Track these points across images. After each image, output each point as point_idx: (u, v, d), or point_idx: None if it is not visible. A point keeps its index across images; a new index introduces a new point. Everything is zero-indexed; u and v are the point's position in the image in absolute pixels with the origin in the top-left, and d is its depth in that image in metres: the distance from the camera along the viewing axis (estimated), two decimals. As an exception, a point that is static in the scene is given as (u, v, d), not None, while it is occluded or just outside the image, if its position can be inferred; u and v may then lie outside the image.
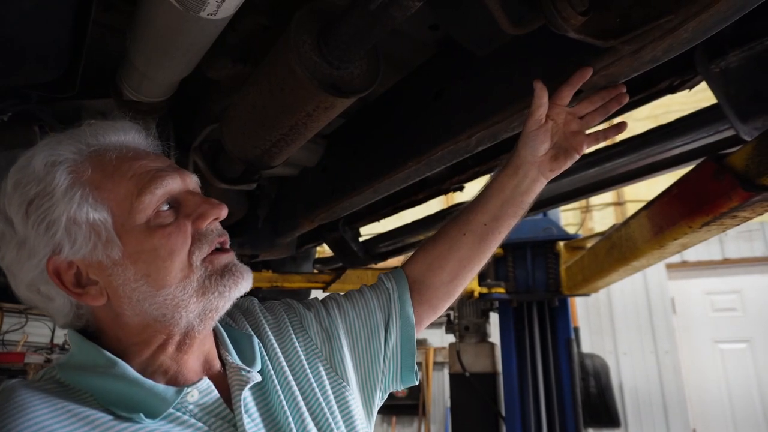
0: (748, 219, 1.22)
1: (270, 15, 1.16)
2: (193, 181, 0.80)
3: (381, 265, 2.76)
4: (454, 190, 1.82)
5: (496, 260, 3.26)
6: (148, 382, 0.70)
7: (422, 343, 6.60)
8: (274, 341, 0.88)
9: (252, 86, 1.17)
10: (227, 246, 0.78)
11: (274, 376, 0.83)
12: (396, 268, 1.09)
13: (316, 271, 3.10)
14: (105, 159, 0.73)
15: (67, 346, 6.14)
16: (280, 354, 0.87)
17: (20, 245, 0.70)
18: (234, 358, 0.81)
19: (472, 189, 1.95)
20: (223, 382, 0.78)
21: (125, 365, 0.70)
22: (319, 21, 0.98)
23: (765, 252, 5.41)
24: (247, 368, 0.79)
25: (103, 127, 0.77)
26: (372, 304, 1.01)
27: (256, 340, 0.86)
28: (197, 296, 0.72)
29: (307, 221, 1.82)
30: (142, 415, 0.67)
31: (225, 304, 0.75)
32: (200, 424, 0.70)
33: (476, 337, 3.43)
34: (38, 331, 6.27)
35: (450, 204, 2.29)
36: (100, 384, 0.69)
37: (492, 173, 1.04)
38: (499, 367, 3.26)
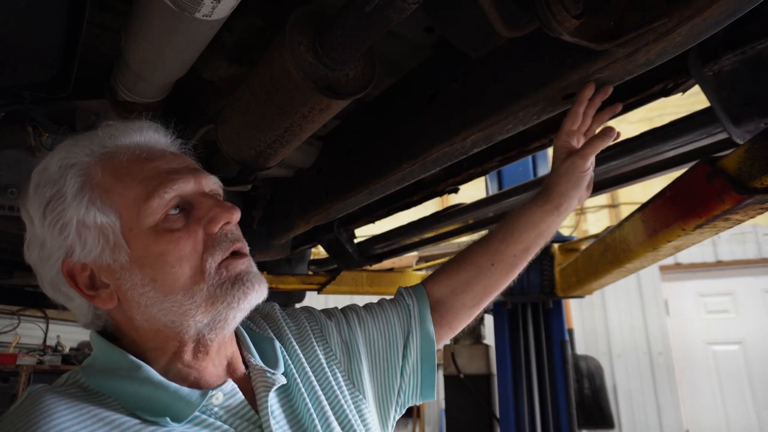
0: (740, 222, 1.23)
1: (265, 16, 1.16)
2: (210, 183, 0.77)
3: (376, 266, 2.75)
4: (449, 192, 1.82)
5: (490, 262, 3.27)
6: (173, 385, 0.69)
7: (417, 345, 6.61)
8: (296, 346, 0.88)
9: (247, 87, 1.17)
10: (245, 252, 0.76)
11: (298, 379, 0.82)
12: (416, 284, 1.08)
13: (310, 272, 3.09)
14: (116, 161, 0.72)
15: (59, 347, 6.10)
16: (303, 358, 0.86)
17: (41, 246, 0.71)
18: (257, 360, 0.81)
19: (466, 190, 1.96)
20: (248, 384, 0.78)
21: (149, 369, 0.69)
22: (314, 22, 0.98)
23: (757, 254, 5.44)
24: (272, 370, 0.78)
25: (119, 128, 0.76)
26: (392, 317, 1.00)
27: (277, 344, 0.85)
28: (205, 305, 0.69)
29: (302, 222, 1.82)
30: (168, 419, 0.66)
31: (236, 314, 0.72)
32: (226, 427, 0.70)
33: (471, 338, 3.44)
34: (30, 333, 6.22)
35: (445, 206, 2.29)
36: (124, 387, 0.68)
37: (524, 205, 1.05)
38: (494, 369, 3.26)
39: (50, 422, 0.61)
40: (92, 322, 0.75)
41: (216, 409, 0.71)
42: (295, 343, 0.88)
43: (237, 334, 0.84)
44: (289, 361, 0.84)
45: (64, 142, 0.75)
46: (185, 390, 0.69)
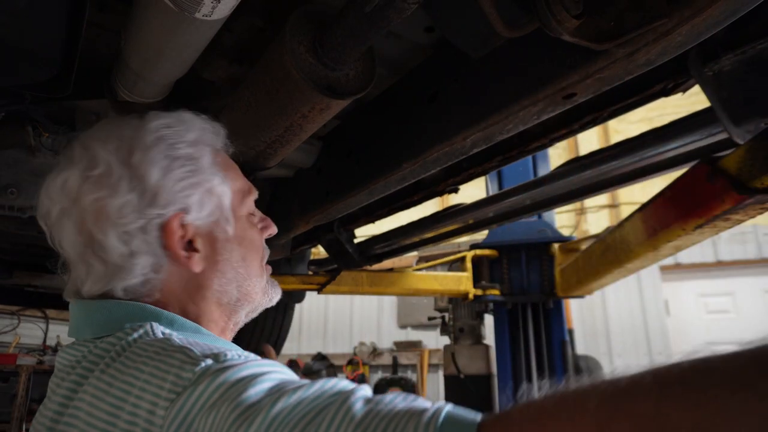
0: (740, 221, 1.23)
1: (265, 16, 1.16)
2: None
3: (376, 266, 2.75)
4: (449, 192, 1.82)
5: (491, 262, 3.27)
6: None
7: (417, 345, 6.61)
8: None
9: (247, 87, 1.17)
10: None
11: None
12: None
13: (310, 272, 3.09)
14: (223, 154, 0.84)
15: (60, 348, 6.10)
16: None
17: (143, 193, 0.70)
18: None
19: (466, 190, 1.96)
20: None
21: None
22: (314, 22, 0.98)
23: (757, 254, 5.44)
24: None
25: (217, 127, 0.84)
26: None
27: None
28: (261, 295, 0.81)
29: (302, 222, 1.82)
30: None
31: (260, 310, 0.84)
32: None
33: (471, 338, 3.43)
34: (30, 333, 6.23)
35: (445, 206, 2.29)
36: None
37: None
38: (494, 369, 3.26)
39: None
40: (135, 285, 0.71)
41: None
42: None
43: None
44: None
45: (189, 115, 0.80)
46: None
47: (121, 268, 0.69)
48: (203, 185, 0.75)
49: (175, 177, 0.72)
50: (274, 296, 0.85)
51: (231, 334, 0.82)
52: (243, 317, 0.82)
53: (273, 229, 0.87)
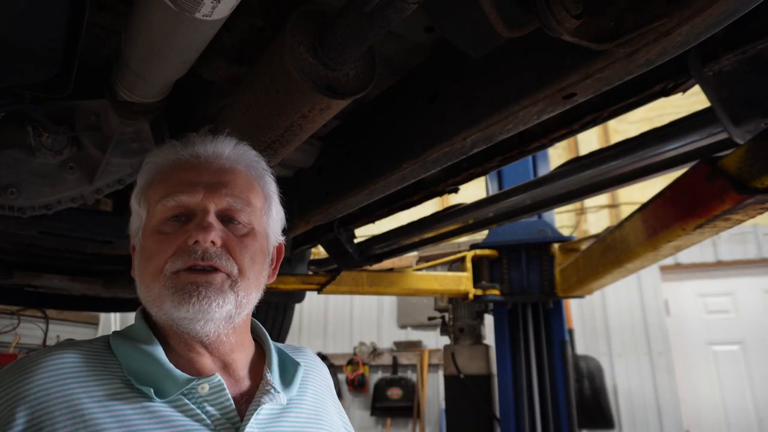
0: (741, 221, 1.23)
1: (265, 16, 1.16)
2: (224, 201, 0.82)
3: (376, 266, 2.75)
4: (449, 192, 1.82)
5: (491, 262, 3.27)
6: (168, 364, 0.76)
7: (417, 345, 6.61)
8: (330, 401, 0.93)
9: (247, 87, 1.17)
10: (219, 269, 0.78)
11: (305, 414, 0.85)
12: None
13: (310, 272, 3.09)
14: (170, 167, 0.85)
15: (59, 348, 6.11)
16: (330, 410, 0.91)
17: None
18: (273, 376, 0.84)
19: (466, 191, 1.96)
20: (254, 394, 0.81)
21: (157, 345, 0.79)
22: (314, 22, 0.98)
23: (757, 254, 5.44)
24: (277, 389, 0.81)
25: (196, 139, 0.87)
26: None
27: (301, 371, 0.89)
28: (155, 301, 0.79)
29: (302, 223, 1.82)
30: (152, 391, 0.72)
31: (180, 317, 0.77)
32: (203, 416, 0.73)
33: (471, 338, 3.43)
34: (30, 333, 6.22)
35: (445, 206, 2.29)
36: (129, 354, 0.78)
37: None
38: (494, 369, 3.26)
39: (29, 382, 0.71)
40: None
41: (201, 399, 0.75)
42: (330, 400, 0.94)
43: (264, 348, 0.90)
44: (310, 395, 0.88)
45: (162, 145, 0.89)
46: (177, 372, 0.75)
47: None
48: (133, 206, 0.88)
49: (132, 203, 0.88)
50: (176, 304, 0.75)
51: (183, 341, 0.79)
52: (179, 327, 0.78)
53: (193, 236, 0.77)
